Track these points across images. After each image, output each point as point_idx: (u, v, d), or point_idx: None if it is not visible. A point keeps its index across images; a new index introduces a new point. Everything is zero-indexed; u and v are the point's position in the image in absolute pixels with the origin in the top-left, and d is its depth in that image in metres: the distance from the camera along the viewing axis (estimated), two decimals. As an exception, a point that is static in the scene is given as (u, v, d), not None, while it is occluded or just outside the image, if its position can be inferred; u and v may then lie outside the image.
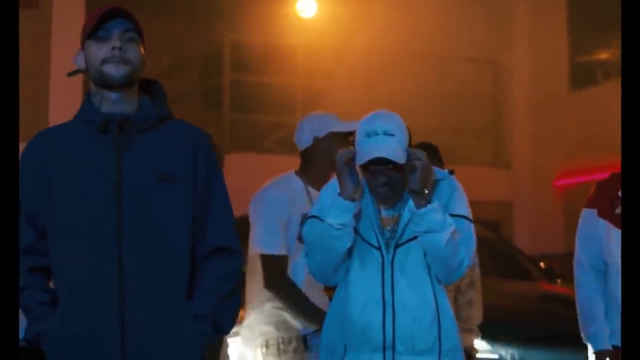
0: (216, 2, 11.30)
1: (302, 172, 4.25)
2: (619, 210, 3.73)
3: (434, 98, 11.67)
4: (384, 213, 3.29)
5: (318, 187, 4.21)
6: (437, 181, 3.28)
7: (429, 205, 3.15)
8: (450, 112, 11.74)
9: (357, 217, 3.25)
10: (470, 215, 3.31)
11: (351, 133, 4.14)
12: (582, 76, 11.85)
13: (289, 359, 4.05)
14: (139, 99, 2.94)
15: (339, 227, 3.18)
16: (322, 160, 4.20)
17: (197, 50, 11.75)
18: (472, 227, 3.28)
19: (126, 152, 2.83)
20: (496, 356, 5.84)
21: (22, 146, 3.21)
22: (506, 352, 5.90)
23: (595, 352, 3.83)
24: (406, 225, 3.24)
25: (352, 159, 3.18)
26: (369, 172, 3.21)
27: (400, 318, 3.20)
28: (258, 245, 4.08)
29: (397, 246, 3.25)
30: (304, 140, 4.24)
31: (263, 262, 4.06)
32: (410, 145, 3.24)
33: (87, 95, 2.93)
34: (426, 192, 3.16)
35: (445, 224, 3.15)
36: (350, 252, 3.27)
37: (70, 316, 2.79)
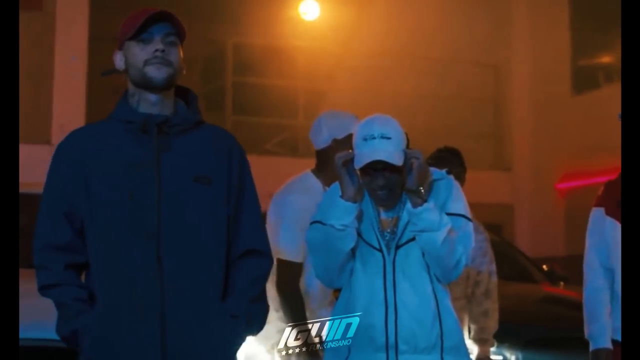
0: (218, 4, 11.31)
1: (319, 172, 4.19)
2: None
3: (434, 100, 11.68)
4: (383, 215, 3.31)
5: None
6: (434, 181, 3.29)
7: (425, 205, 3.16)
8: (451, 114, 11.74)
9: (359, 219, 3.27)
10: (468, 214, 3.32)
11: None
12: (584, 80, 11.86)
13: (308, 358, 4.04)
14: (175, 102, 2.97)
15: (341, 227, 3.20)
16: None
17: (199, 52, 11.76)
18: (470, 225, 3.29)
19: (165, 152, 2.86)
20: (500, 358, 5.85)
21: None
22: (509, 354, 5.91)
23: (593, 351, 3.86)
24: (405, 226, 3.25)
25: (350, 161, 3.21)
26: (367, 175, 3.23)
27: (402, 318, 3.22)
28: (277, 250, 4.03)
29: (397, 247, 3.27)
30: (321, 140, 4.17)
31: (278, 266, 4.04)
32: (407, 147, 3.26)
33: (124, 96, 2.95)
34: (422, 191, 3.18)
35: (441, 223, 3.16)
36: (353, 253, 3.28)
37: (110, 315, 2.78)
